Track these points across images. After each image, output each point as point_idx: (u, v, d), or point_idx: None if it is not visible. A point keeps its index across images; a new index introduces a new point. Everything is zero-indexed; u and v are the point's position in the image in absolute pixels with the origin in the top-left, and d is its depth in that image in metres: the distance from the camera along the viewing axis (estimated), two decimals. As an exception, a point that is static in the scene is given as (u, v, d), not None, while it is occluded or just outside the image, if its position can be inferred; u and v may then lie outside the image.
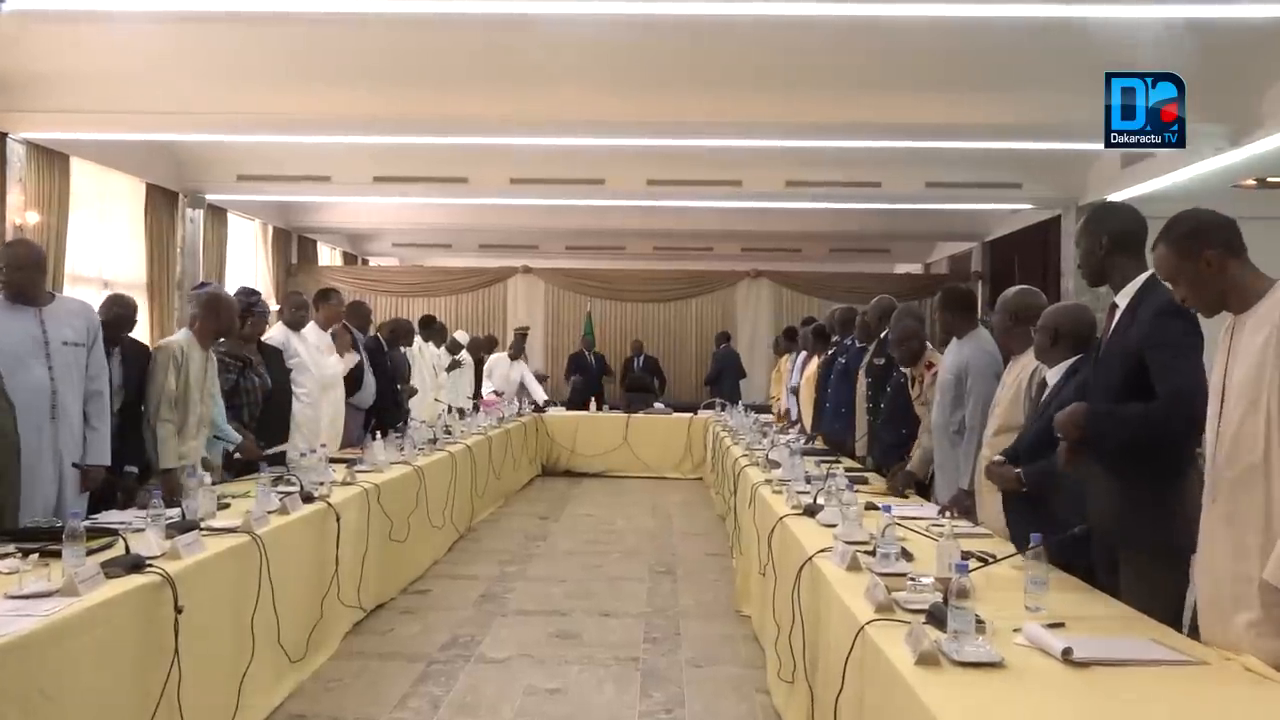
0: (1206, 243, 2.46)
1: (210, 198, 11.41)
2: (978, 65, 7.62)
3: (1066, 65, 7.27)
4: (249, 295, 5.64)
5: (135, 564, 2.97)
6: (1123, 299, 3.00)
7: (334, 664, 4.56)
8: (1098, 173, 10.57)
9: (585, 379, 13.04)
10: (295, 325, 6.36)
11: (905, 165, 10.72)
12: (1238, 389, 2.35)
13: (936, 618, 2.40)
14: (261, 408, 5.53)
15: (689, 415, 11.61)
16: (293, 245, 14.61)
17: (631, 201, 12.15)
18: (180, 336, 4.87)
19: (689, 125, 8.48)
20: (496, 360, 12.22)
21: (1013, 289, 4.35)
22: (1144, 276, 2.98)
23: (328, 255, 16.14)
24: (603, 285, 15.18)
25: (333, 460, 5.47)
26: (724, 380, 12.98)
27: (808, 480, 4.92)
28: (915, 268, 17.23)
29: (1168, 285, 2.87)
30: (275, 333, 6.22)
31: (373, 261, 17.46)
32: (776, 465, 5.61)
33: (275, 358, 5.88)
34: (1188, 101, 6.03)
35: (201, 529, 3.54)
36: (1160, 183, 9.36)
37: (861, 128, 8.44)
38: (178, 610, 2.96)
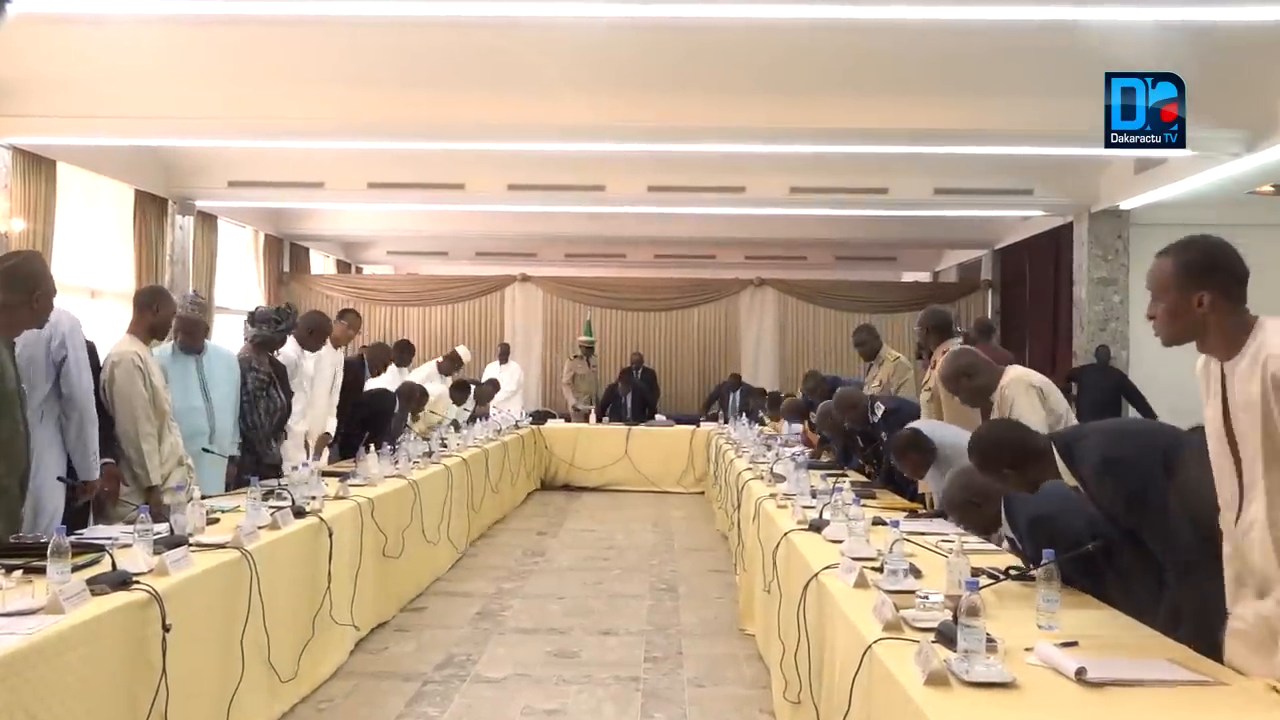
0: (1211, 283, 2.38)
1: (200, 204, 11.41)
2: (987, 69, 7.63)
3: (1078, 69, 7.28)
4: (285, 316, 5.68)
5: (122, 581, 2.97)
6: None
7: (326, 683, 4.56)
8: (1110, 179, 10.59)
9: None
10: (310, 347, 6.43)
11: (913, 171, 10.73)
12: (1248, 438, 2.33)
13: (946, 636, 2.40)
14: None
15: (691, 427, 11.61)
16: (285, 253, 14.61)
17: (632, 208, 12.15)
18: (129, 343, 4.69)
19: (691, 130, 8.49)
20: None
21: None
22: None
23: (321, 263, 16.15)
24: (603, 294, 15.18)
25: (325, 474, 5.48)
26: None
27: (813, 494, 4.93)
28: (923, 276, 17.24)
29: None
30: (288, 350, 6.27)
31: (367, 270, 17.45)
32: (781, 479, 5.61)
33: (284, 376, 5.95)
34: (1204, 106, 6.09)
35: (190, 544, 3.53)
36: (1175, 189, 9.37)
37: (868, 133, 8.44)
38: (165, 628, 2.96)
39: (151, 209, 10.61)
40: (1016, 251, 13.78)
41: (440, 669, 4.84)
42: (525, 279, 15.26)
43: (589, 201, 11.67)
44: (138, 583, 3.00)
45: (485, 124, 8.41)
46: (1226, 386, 2.39)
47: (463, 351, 11.60)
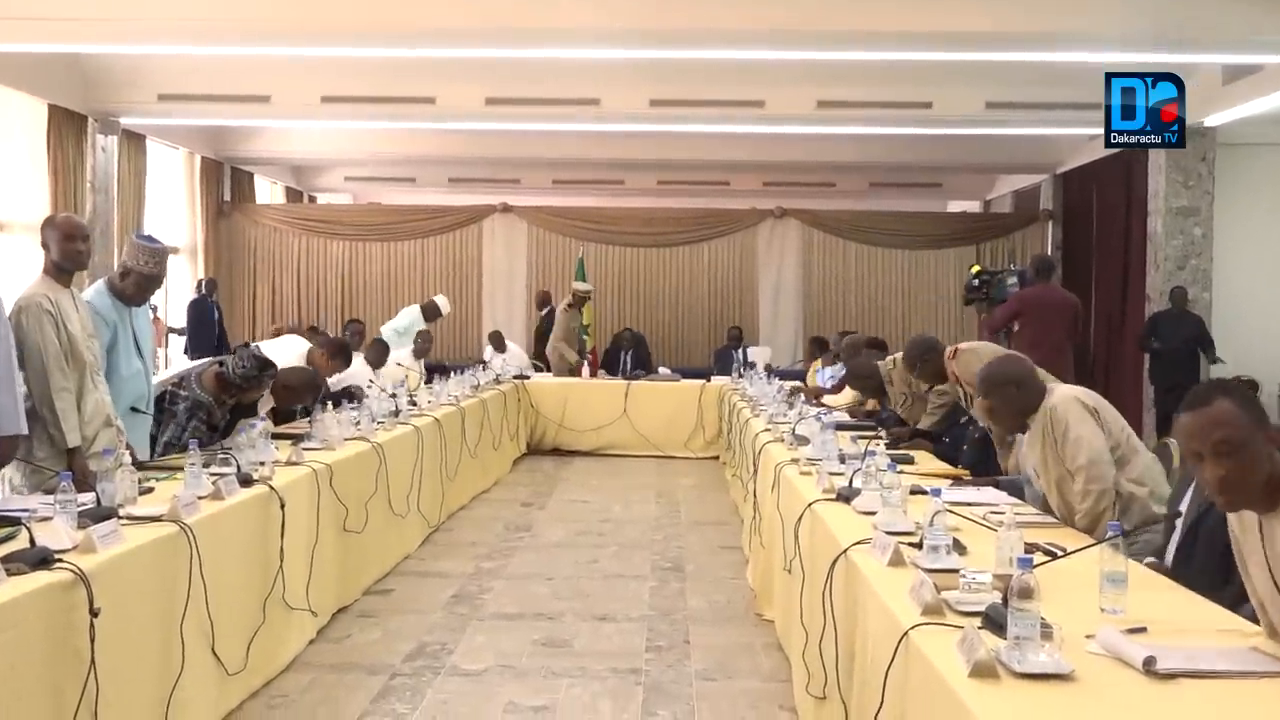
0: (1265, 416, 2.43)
1: (126, 122, 11.36)
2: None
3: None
4: (264, 368, 5.57)
5: (42, 559, 2.98)
6: None
7: (280, 677, 4.59)
8: (1193, 90, 10.37)
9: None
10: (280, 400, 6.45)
11: (961, 82, 10.64)
12: None
13: (994, 622, 2.41)
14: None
15: (700, 382, 11.61)
16: (225, 179, 14.57)
17: (631, 126, 12.08)
18: (40, 284, 4.56)
19: (701, 33, 8.39)
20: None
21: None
22: None
23: (267, 191, 16.10)
24: (597, 227, 15.12)
25: (275, 436, 5.49)
26: None
27: (842, 459, 4.93)
28: (972, 205, 17.19)
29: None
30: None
31: (321, 199, 17.41)
32: (805, 441, 5.62)
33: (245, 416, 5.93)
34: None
35: (120, 517, 3.55)
36: (1271, 101, 9.27)
37: (908, 36, 8.34)
38: (93, 613, 2.97)
39: (68, 127, 10.54)
40: (1082, 177, 13.71)
41: (410, 660, 4.88)
42: (506, 209, 15.20)
43: (581, 118, 11.59)
44: (60, 561, 3.01)
45: (459, 27, 8.32)
46: (1265, 543, 2.39)
47: (441, 302, 11.56)
